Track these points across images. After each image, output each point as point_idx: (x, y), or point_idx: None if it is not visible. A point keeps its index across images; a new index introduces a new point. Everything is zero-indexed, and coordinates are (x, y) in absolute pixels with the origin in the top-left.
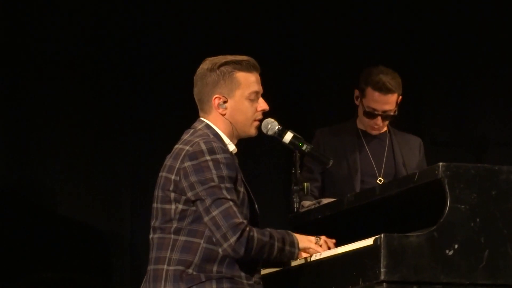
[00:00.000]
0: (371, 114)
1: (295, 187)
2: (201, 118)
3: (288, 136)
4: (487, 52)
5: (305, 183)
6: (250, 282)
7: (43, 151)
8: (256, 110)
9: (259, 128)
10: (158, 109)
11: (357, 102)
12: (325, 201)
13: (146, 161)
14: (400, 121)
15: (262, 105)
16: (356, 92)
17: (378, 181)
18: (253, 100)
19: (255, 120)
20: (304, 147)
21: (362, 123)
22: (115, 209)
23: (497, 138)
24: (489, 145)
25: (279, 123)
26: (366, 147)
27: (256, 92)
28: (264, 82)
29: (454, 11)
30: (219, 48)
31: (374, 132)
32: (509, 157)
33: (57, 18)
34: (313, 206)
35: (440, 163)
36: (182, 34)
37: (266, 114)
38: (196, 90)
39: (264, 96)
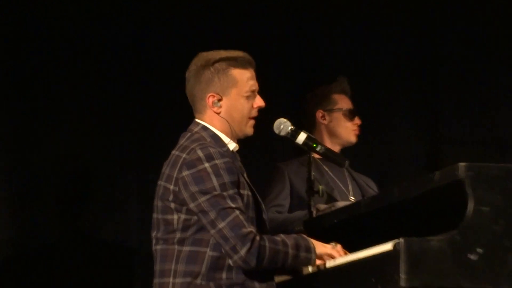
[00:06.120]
0: (353, 112)
1: (310, 190)
2: (197, 120)
3: (302, 137)
4: (507, 49)
5: (320, 186)
6: (263, 285)
7: (48, 159)
8: (252, 107)
9: (259, 126)
10: (166, 114)
11: (324, 122)
12: (340, 204)
13: (154, 169)
14: (418, 120)
15: (258, 102)
16: (320, 113)
17: (350, 198)
18: (249, 98)
19: (250, 118)
20: (318, 148)
21: (343, 134)
22: (123, 219)
23: None
24: (510, 144)
25: (292, 124)
26: (330, 173)
27: (253, 90)
28: (271, 82)
29: (472, 6)
30: (221, 47)
31: (355, 138)
32: None
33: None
34: (328, 210)
35: (460, 163)
36: (192, 33)
37: (276, 114)
38: (188, 88)
39: (271, 96)
